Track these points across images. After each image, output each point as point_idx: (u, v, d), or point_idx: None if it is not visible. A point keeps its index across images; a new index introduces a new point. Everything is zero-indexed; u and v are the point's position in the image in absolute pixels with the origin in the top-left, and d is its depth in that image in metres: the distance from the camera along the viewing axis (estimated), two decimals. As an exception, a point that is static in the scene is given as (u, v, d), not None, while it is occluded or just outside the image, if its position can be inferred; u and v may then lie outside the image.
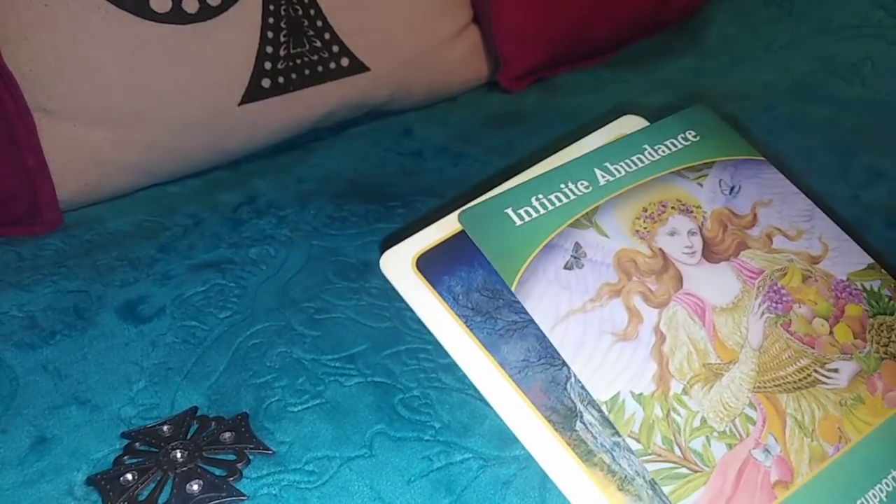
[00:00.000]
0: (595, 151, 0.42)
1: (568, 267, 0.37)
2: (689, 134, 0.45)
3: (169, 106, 0.67)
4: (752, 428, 0.35)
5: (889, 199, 0.60)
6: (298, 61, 0.73)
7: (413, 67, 0.81)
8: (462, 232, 0.36)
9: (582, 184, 0.40)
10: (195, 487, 0.39)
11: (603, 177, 0.41)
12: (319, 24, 0.74)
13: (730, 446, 0.34)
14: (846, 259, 0.42)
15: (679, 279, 0.38)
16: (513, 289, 0.36)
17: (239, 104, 0.70)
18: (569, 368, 0.34)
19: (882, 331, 0.39)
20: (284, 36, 0.72)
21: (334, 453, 0.42)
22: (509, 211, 0.38)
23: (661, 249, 0.39)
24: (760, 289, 0.39)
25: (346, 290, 0.54)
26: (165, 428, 0.43)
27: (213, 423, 0.44)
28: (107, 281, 0.57)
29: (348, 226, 0.62)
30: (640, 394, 0.34)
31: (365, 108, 0.80)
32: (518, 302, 0.35)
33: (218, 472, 0.40)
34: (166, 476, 0.40)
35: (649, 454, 0.33)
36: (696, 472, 0.33)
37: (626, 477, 0.33)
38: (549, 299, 0.36)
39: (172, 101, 0.67)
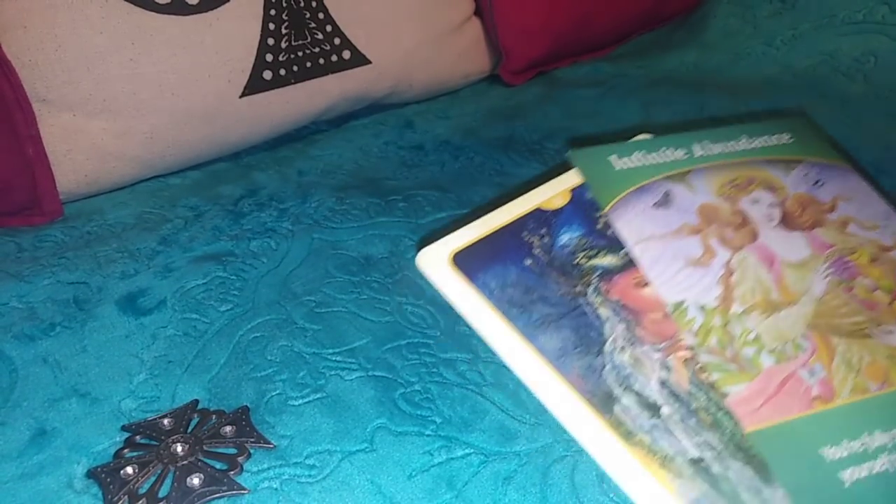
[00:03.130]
0: (695, 131, 0.47)
1: (656, 206, 0.42)
2: (785, 136, 0.49)
3: (170, 97, 0.67)
4: (801, 353, 0.38)
5: (893, 195, 0.60)
6: (300, 53, 0.73)
7: (414, 60, 0.81)
8: (495, 232, 0.39)
9: (681, 151, 0.46)
10: (196, 481, 0.39)
11: (700, 150, 0.46)
12: (321, 16, 0.74)
13: (778, 361, 0.37)
14: None
15: (754, 235, 0.42)
16: (605, 211, 0.40)
17: (240, 96, 0.70)
18: (604, 356, 0.36)
19: None
20: (286, 28, 0.72)
21: (335, 447, 0.41)
22: (612, 157, 0.45)
23: (741, 210, 0.43)
24: (829, 258, 0.42)
25: (348, 283, 0.54)
26: (166, 421, 0.43)
27: (214, 417, 0.43)
28: (107, 273, 0.57)
29: (349, 219, 0.62)
30: (703, 306, 0.38)
31: (366, 100, 0.80)
32: (550, 297, 0.38)
33: (219, 465, 0.40)
34: (167, 469, 0.40)
35: (703, 348, 0.36)
36: (743, 371, 0.36)
37: (666, 456, 0.34)
38: (635, 225, 0.41)
39: (173, 92, 0.67)
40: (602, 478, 0.39)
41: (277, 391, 0.45)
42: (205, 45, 0.68)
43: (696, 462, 0.34)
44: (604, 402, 0.36)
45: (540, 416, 0.42)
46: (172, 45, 0.66)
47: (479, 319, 0.38)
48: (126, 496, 0.39)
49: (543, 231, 0.39)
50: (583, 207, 0.40)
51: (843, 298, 0.40)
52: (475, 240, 0.38)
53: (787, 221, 0.44)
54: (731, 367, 0.36)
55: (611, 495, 0.38)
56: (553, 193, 0.41)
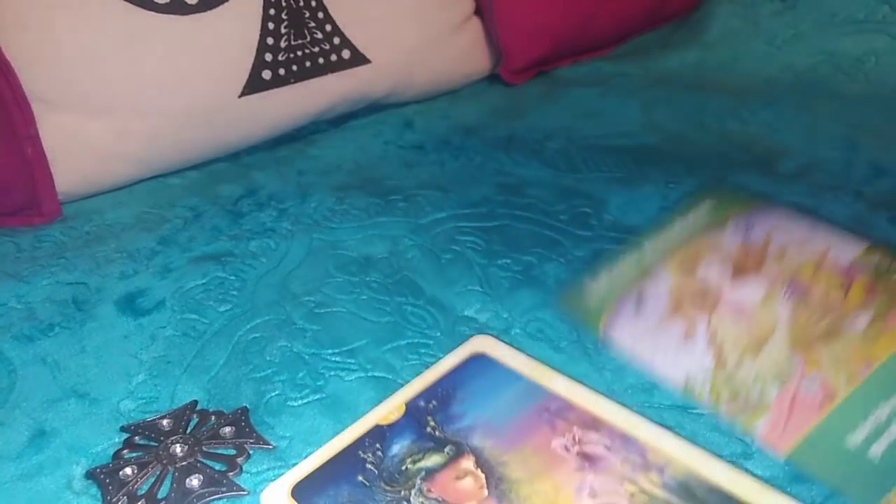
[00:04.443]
0: (639, 245, 0.57)
1: (635, 307, 0.49)
2: (709, 202, 0.59)
3: (169, 97, 0.67)
4: (796, 371, 0.43)
5: (893, 195, 0.60)
6: (299, 53, 0.73)
7: (414, 60, 0.80)
8: (333, 457, 0.40)
9: (634, 268, 0.54)
10: (195, 482, 0.39)
11: (648, 253, 0.55)
12: (321, 15, 0.74)
13: (781, 385, 0.42)
14: (847, 249, 0.52)
15: (718, 294, 0.49)
16: (600, 335, 0.48)
17: (239, 96, 0.70)
18: None
19: (889, 285, 0.48)
20: (285, 27, 0.72)
21: (335, 448, 0.41)
22: (588, 292, 0.52)
23: (701, 278, 0.51)
24: (783, 284, 0.49)
25: (347, 283, 0.54)
26: (165, 422, 0.43)
27: (213, 418, 0.43)
28: (106, 273, 0.56)
29: (349, 219, 0.62)
30: (707, 369, 0.44)
31: (366, 100, 0.80)
32: None
33: (218, 466, 0.40)
34: (166, 470, 0.40)
35: (721, 406, 0.42)
36: (759, 407, 0.42)
37: None
38: (627, 333, 0.48)
39: (172, 92, 0.67)
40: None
41: (277, 392, 0.45)
42: (204, 44, 0.67)
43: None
44: None
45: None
46: (171, 45, 0.66)
47: None
48: (125, 497, 0.39)
49: (378, 446, 0.40)
50: (415, 417, 0.42)
51: (807, 312, 0.47)
52: (314, 469, 0.39)
53: (738, 271, 0.51)
54: (748, 411, 0.41)
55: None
56: (388, 410, 0.42)
